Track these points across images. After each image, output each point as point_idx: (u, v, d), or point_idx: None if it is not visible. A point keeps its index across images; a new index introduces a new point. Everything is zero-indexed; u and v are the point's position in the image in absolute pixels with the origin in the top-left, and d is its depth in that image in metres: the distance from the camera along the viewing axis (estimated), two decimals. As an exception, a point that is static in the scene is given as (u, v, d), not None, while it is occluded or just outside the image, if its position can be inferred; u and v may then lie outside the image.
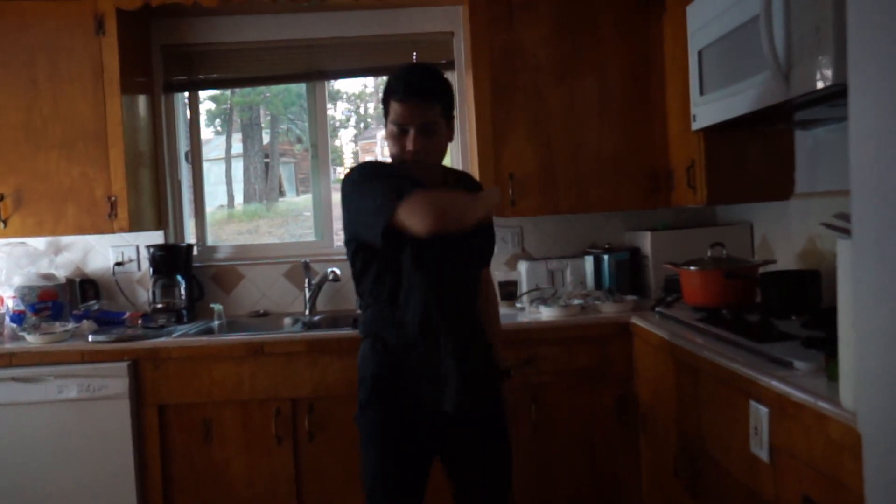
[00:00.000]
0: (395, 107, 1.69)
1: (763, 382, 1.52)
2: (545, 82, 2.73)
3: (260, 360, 2.46)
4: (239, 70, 3.14)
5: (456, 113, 1.86)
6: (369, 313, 1.80)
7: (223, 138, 4.47)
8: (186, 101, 3.21)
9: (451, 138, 1.81)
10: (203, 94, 3.44)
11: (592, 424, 2.54)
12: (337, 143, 3.69)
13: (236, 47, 3.08)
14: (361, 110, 4.53)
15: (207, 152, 3.96)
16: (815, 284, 2.10)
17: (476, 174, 2.82)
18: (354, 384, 2.36)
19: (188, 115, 3.22)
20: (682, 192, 2.57)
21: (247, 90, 3.87)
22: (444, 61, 3.11)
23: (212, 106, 4.01)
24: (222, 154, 4.45)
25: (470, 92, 2.82)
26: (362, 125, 4.22)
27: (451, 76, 3.14)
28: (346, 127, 4.18)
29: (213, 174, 4.18)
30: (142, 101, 2.96)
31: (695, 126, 2.28)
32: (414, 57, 3.10)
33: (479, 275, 1.95)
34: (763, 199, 2.48)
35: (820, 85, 1.54)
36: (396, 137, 1.71)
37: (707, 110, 2.18)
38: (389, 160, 1.80)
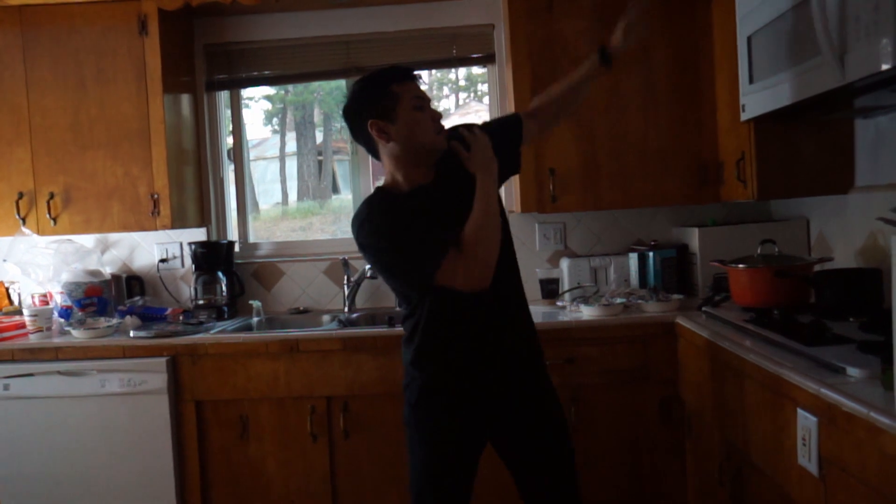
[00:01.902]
0: (403, 88, 1.70)
1: (812, 390, 1.41)
2: (587, 74, 2.64)
3: (295, 358, 2.46)
4: (279, 67, 3.15)
5: None
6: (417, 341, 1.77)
7: (279, 137, 4.54)
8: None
9: None
10: (258, 94, 3.49)
11: (635, 427, 2.45)
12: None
13: (276, 45, 3.09)
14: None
15: (264, 151, 4.01)
16: (876, 284, 1.95)
17: (515, 169, 2.76)
18: (389, 382, 2.36)
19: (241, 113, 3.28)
20: (733, 186, 2.45)
21: (299, 88, 3.90)
22: (483, 54, 3.05)
23: (268, 106, 4.06)
24: (278, 152, 4.53)
25: (510, 85, 2.75)
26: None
27: (492, 69, 3.08)
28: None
29: (269, 172, 4.24)
30: (185, 99, 3.01)
31: (744, 116, 2.15)
32: (453, 51, 3.05)
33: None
34: (819, 193, 2.33)
35: (879, 68, 1.42)
36: (419, 114, 1.70)
37: (757, 99, 2.05)
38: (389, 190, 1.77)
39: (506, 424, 1.79)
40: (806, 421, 1.43)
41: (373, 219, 1.69)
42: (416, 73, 1.75)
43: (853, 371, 1.41)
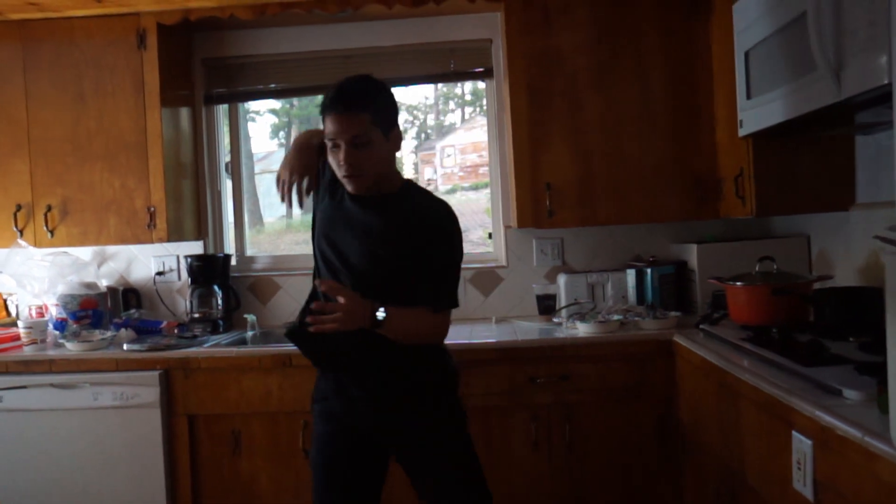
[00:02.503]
0: (326, 122, 1.68)
1: (806, 412, 1.37)
2: (584, 89, 2.63)
3: (288, 372, 2.44)
4: (277, 81, 3.16)
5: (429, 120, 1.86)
6: None
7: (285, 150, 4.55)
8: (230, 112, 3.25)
9: (396, 147, 1.77)
10: (264, 108, 3.50)
11: (631, 446, 2.40)
12: (397, 154, 3.71)
13: (274, 59, 3.10)
14: (421, 121, 4.50)
15: (269, 164, 4.02)
16: (877, 303, 1.90)
17: (512, 184, 2.75)
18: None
19: (245, 127, 3.29)
20: (731, 202, 2.42)
21: (304, 102, 3.91)
22: (482, 69, 3.05)
23: (275, 119, 4.08)
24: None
25: (507, 99, 2.74)
26: (423, 136, 4.24)
27: (490, 84, 3.07)
28: (403, 138, 4.23)
29: (274, 186, 4.24)
30: (184, 113, 3.01)
31: (742, 132, 2.14)
32: (451, 65, 3.05)
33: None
34: (819, 210, 2.30)
35: (875, 84, 1.40)
36: (332, 155, 1.70)
37: (754, 115, 2.04)
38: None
39: (395, 445, 1.81)
40: (801, 444, 1.40)
41: None
42: (349, 106, 1.64)
43: (850, 393, 1.37)
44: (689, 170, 2.61)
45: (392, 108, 1.75)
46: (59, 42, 2.79)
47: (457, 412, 1.83)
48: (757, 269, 2.18)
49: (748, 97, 2.07)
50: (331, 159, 1.71)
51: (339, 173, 1.71)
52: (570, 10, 2.62)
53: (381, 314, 1.63)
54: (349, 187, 1.73)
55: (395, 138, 1.76)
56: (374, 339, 1.66)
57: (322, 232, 1.82)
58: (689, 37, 2.59)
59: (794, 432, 1.43)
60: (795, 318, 2.03)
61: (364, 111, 1.65)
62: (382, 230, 1.73)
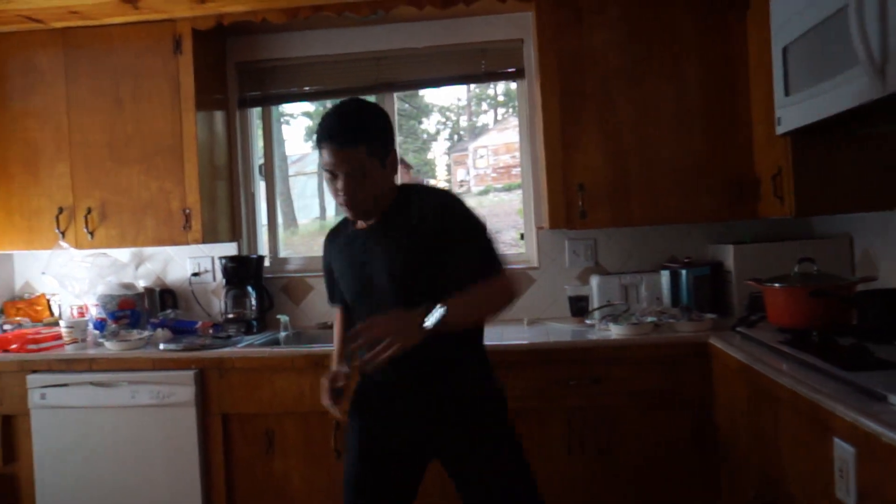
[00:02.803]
0: (323, 152, 1.65)
1: (849, 418, 1.33)
2: (617, 88, 2.60)
3: (320, 373, 2.38)
4: (309, 84, 3.18)
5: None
6: None
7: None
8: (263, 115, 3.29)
9: (393, 170, 1.73)
10: (298, 110, 3.55)
11: (665, 451, 2.36)
12: (429, 156, 3.72)
13: (306, 62, 3.13)
14: (454, 123, 4.50)
15: (304, 166, 4.08)
16: (924, 305, 1.85)
17: (544, 185, 2.73)
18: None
19: (278, 129, 3.33)
20: (769, 202, 2.36)
21: (337, 104, 3.95)
22: (513, 69, 3.03)
23: (308, 122, 4.13)
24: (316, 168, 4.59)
25: (539, 100, 2.72)
26: (455, 137, 4.24)
27: (522, 84, 3.06)
28: (436, 140, 4.25)
29: (309, 187, 4.29)
30: (218, 116, 3.06)
31: (779, 130, 2.08)
32: (482, 66, 3.04)
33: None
34: (862, 209, 2.23)
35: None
36: (330, 182, 1.68)
37: (793, 112, 1.98)
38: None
39: (432, 452, 1.78)
40: (843, 451, 1.35)
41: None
42: (345, 140, 1.61)
43: None
44: (726, 169, 2.55)
45: (387, 134, 1.71)
46: (98, 49, 2.86)
47: (507, 431, 1.77)
48: (796, 270, 2.12)
49: (786, 94, 2.02)
50: (328, 186, 1.70)
51: (337, 201, 1.70)
52: (601, 9, 2.59)
53: (430, 320, 1.54)
54: (348, 215, 1.74)
55: (392, 163, 1.72)
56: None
57: (345, 287, 1.82)
58: (723, 34, 2.54)
59: (835, 439, 1.39)
60: (837, 320, 1.98)
61: (360, 144, 1.62)
62: (389, 248, 1.70)
